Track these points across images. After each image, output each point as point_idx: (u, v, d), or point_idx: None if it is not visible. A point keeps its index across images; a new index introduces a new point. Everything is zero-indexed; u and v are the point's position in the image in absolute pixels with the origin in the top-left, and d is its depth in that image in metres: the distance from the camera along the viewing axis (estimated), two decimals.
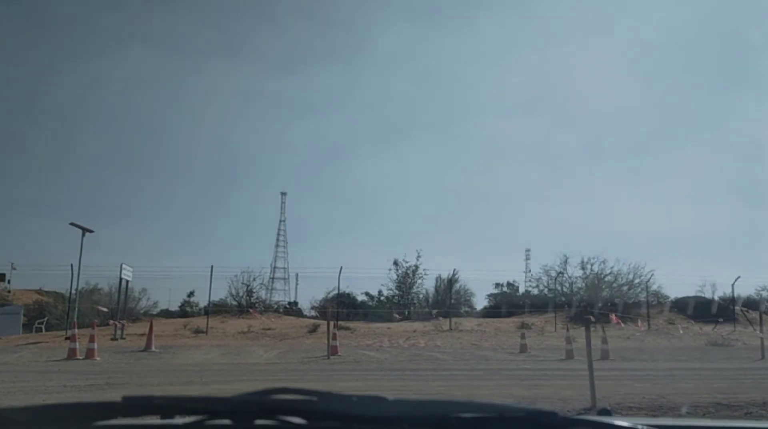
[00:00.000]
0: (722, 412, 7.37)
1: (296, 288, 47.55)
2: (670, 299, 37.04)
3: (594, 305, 33.89)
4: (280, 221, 64.22)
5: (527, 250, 48.37)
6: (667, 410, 7.53)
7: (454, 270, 30.89)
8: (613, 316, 22.16)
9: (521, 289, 43.05)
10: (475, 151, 75.69)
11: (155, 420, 1.36)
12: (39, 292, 40.61)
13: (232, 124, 75.32)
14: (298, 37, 72.87)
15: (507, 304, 36.64)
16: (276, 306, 40.70)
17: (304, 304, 43.13)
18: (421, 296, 38.16)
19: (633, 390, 9.73)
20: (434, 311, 31.31)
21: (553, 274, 37.66)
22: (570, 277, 38.30)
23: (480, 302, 41.22)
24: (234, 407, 1.28)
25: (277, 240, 63.27)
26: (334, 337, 16.97)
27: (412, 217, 72.75)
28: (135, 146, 72.99)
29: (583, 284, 37.53)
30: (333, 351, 16.53)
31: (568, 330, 17.95)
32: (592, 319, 12.21)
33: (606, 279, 37.31)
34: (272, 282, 52.99)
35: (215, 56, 72.04)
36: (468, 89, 75.59)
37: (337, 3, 72.20)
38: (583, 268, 37.43)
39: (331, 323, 17.36)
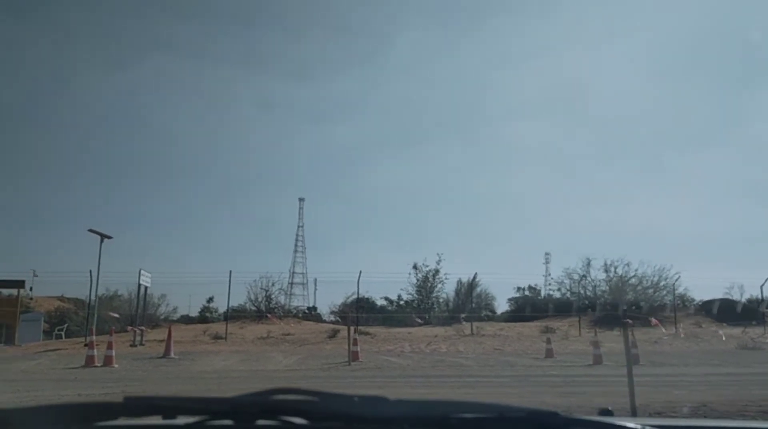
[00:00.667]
0: None
1: (315, 293, 47.32)
2: (696, 302, 36.29)
3: (618, 308, 33.33)
4: (298, 227, 64.20)
5: (547, 254, 47.81)
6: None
7: (475, 274, 30.30)
8: (653, 319, 21.58)
9: (543, 293, 42.52)
10: (492, 154, 75.25)
11: (157, 420, 1.34)
12: (60, 298, 40.85)
13: (250, 130, 75.52)
14: (314, 44, 72.92)
15: (529, 308, 36.01)
16: (295, 311, 40.48)
17: (323, 309, 42.90)
18: (441, 300, 37.73)
19: (672, 397, 9.25)
20: (462, 315, 30.74)
21: (576, 277, 37.08)
22: (593, 280, 37.70)
23: (501, 306, 40.75)
24: (235, 407, 1.28)
25: (296, 245, 63.24)
26: (355, 343, 16.61)
27: (431, 221, 72.35)
28: (154, 153, 73.49)
29: (607, 287, 36.88)
30: (354, 357, 16.17)
31: (595, 334, 17.38)
32: (630, 321, 11.72)
33: (630, 281, 36.65)
34: (291, 287, 52.88)
35: (233, 64, 72.38)
36: (484, 92, 75.13)
37: (353, 9, 72.21)
38: (606, 271, 36.79)
39: (352, 328, 16.96)
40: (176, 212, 72.30)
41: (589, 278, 37.30)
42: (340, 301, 37.78)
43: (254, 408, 1.30)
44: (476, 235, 66.88)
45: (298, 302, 50.77)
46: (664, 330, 27.64)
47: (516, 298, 40.40)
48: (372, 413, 1.25)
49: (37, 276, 32.94)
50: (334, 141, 75.58)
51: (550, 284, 42.69)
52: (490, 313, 38.07)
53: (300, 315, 38.92)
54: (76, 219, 64.41)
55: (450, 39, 71.60)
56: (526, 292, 41.12)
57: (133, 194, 69.05)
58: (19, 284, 26.04)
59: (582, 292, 36.98)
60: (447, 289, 37.30)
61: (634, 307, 34.36)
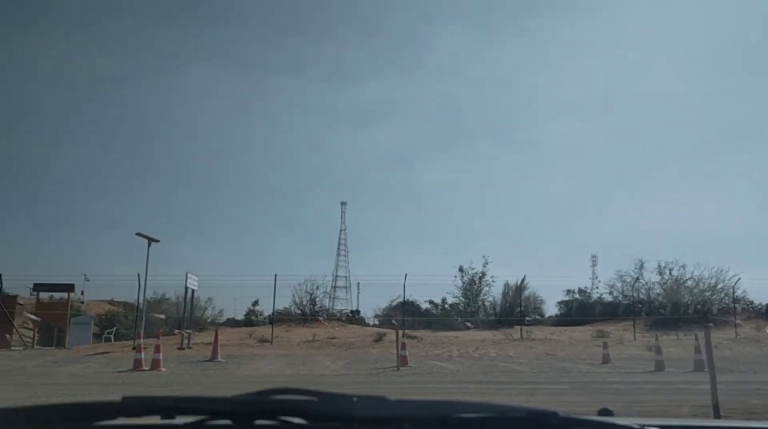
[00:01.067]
0: None
1: (358, 296, 47.08)
2: (755, 305, 34.69)
3: (669, 310, 32.07)
4: (341, 230, 64.19)
5: (593, 256, 46.55)
6: None
7: (524, 276, 29.42)
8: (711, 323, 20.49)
9: (592, 296, 41.27)
10: (535, 155, 73.97)
11: (156, 420, 1.34)
12: (110, 302, 41.58)
13: (293, 135, 75.98)
14: (355, 48, 73.05)
15: (580, 311, 34.96)
16: (339, 314, 40.29)
17: (366, 313, 42.63)
18: (487, 304, 36.98)
19: (750, 407, 8.51)
20: (525, 318, 29.88)
21: (628, 279, 35.84)
22: (647, 283, 36.40)
23: (549, 310, 39.70)
24: (234, 407, 1.28)
25: (338, 249, 63.22)
26: (404, 347, 16.13)
27: (474, 223, 71.60)
28: (200, 159, 74.62)
29: (662, 290, 35.56)
30: (403, 361, 15.71)
31: (656, 338, 16.52)
32: (711, 324, 10.96)
33: (686, 284, 35.28)
34: (334, 291, 52.78)
35: (276, 71, 73.11)
36: (526, 93, 74.02)
37: (392, 12, 72.03)
38: (660, 274, 35.52)
39: (400, 332, 16.50)
40: (221, 217, 73.26)
41: (642, 281, 36.06)
42: (383, 304, 37.50)
43: (253, 408, 1.30)
44: (520, 237, 65.82)
45: (341, 306, 50.70)
46: (723, 334, 26.40)
47: (566, 301, 39.30)
48: (371, 413, 1.25)
49: (88, 280, 33.56)
50: (376, 144, 75.48)
51: (597, 287, 41.65)
52: (538, 317, 37.10)
53: (343, 318, 38.71)
54: (125, 224, 65.80)
55: (491, 40, 70.81)
56: (576, 295, 39.97)
57: (179, 199, 70.26)
58: (69, 288, 26.42)
59: (635, 295, 35.73)
60: (494, 293, 36.62)
61: (690, 311, 33.09)
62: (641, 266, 35.56)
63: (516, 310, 34.02)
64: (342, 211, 64.46)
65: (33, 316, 23.79)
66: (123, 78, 69.60)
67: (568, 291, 39.67)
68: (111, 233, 62.76)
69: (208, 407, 1.31)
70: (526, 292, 35.67)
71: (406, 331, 27.42)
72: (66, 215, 66.41)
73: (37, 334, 27.43)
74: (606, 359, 17.56)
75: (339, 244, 63.69)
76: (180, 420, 1.34)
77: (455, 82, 73.98)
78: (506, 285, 35.32)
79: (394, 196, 77.81)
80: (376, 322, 38.52)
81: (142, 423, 1.38)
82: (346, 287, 59.98)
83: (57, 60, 64.93)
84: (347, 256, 62.94)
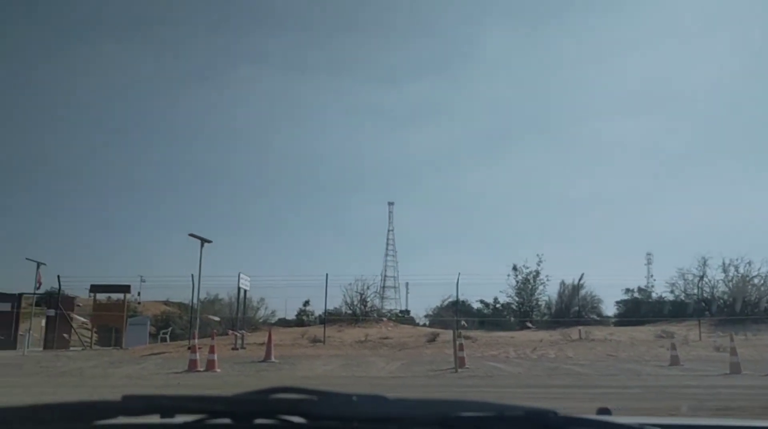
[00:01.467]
0: None
1: (407, 296, 46.64)
2: None
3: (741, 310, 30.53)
4: (389, 231, 63.90)
5: (648, 254, 44.92)
6: None
7: (582, 275, 28.38)
8: None
9: (653, 295, 39.75)
10: (586, 153, 72.15)
11: (155, 419, 1.32)
12: (166, 303, 42.34)
13: (340, 136, 76.13)
14: (400, 48, 72.83)
15: (640, 310, 33.64)
16: (389, 314, 39.96)
17: (416, 313, 42.19)
18: (542, 303, 35.96)
19: None
20: (584, 318, 28.90)
21: (690, 277, 34.34)
22: (710, 280, 34.81)
23: (607, 309, 38.38)
24: (234, 407, 1.27)
25: (386, 249, 62.94)
26: (461, 348, 15.57)
27: (524, 222, 70.36)
28: (250, 161, 75.55)
29: (727, 288, 33.94)
30: (460, 363, 15.16)
31: (732, 339, 15.51)
32: None
33: (753, 281, 33.58)
34: (383, 291, 52.45)
35: (321, 72, 73.52)
36: (576, 91, 72.33)
37: (439, 13, 71.45)
38: (725, 271, 33.89)
39: (456, 333, 15.94)
40: (272, 218, 73.99)
41: (706, 278, 34.49)
42: (432, 304, 36.96)
43: (252, 407, 1.29)
44: (571, 236, 64.30)
45: (390, 306, 50.33)
46: None
47: (624, 300, 37.91)
48: (371, 412, 1.25)
49: (144, 281, 34.17)
50: (423, 144, 74.95)
51: (652, 286, 40.25)
52: (595, 317, 35.89)
53: (394, 318, 38.34)
54: (179, 226, 67.15)
55: (539, 37, 69.52)
56: (636, 294, 38.54)
57: (232, 201, 71.31)
58: (125, 289, 26.80)
59: (699, 293, 34.22)
60: (548, 292, 35.59)
61: (758, 310, 31.50)
62: (704, 263, 34.02)
63: (573, 310, 33.01)
64: (389, 212, 64.20)
65: (81, 318, 24.11)
66: (173, 83, 71.09)
67: (627, 290, 38.29)
68: (166, 235, 64.18)
69: (207, 406, 1.30)
70: (582, 291, 34.52)
71: (460, 331, 26.88)
72: (123, 218, 68.26)
73: (95, 335, 27.99)
74: (675, 361, 16.63)
75: (387, 244, 63.40)
76: (180, 419, 1.33)
77: (503, 81, 73.03)
78: (562, 284, 34.27)
79: (442, 196, 77.33)
80: (426, 322, 38.04)
81: (142, 422, 1.37)
82: (394, 287, 59.66)
83: (109, 66, 66.79)
84: (395, 256, 62.62)
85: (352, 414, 1.24)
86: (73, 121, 69.24)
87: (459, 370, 14.70)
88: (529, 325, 27.87)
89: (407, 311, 44.83)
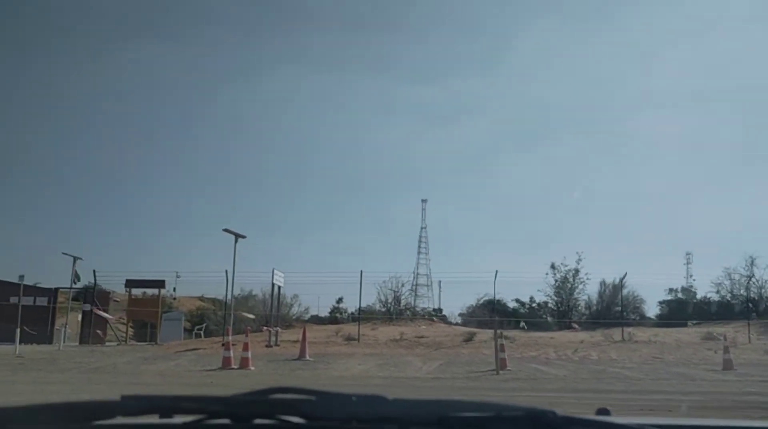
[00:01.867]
0: None
1: (439, 295, 45.99)
2: None
3: None
4: (421, 228, 63.25)
5: (688, 254, 43.51)
6: None
7: (625, 273, 27.36)
8: None
9: (696, 295, 38.40)
10: (624, 150, 70.41)
11: (154, 419, 1.32)
12: (201, 298, 42.44)
13: (376, 134, 75.76)
14: (437, 45, 71.93)
15: (682, 311, 32.46)
16: (422, 312, 39.41)
17: (449, 311, 41.59)
18: (581, 303, 34.97)
19: None
20: (627, 319, 27.89)
21: (737, 277, 33.03)
22: (758, 281, 33.44)
23: (649, 309, 37.17)
24: (233, 407, 1.27)
25: (419, 247, 62.27)
26: (502, 349, 14.90)
27: (560, 220, 68.95)
28: (284, 158, 75.66)
29: None
30: (501, 364, 14.51)
31: None
32: None
33: None
34: (415, 289, 51.85)
35: (359, 71, 73.11)
36: (616, 86, 70.50)
37: (476, 9, 70.37)
38: None
39: (497, 332, 15.29)
40: (304, 215, 74.08)
41: (754, 279, 33.16)
42: (466, 303, 36.30)
43: (251, 407, 1.29)
44: (610, 233, 62.76)
45: (423, 304, 49.72)
46: None
47: (667, 300, 36.69)
48: (370, 412, 1.24)
49: (179, 277, 34.18)
50: (459, 141, 74.09)
51: (691, 286, 38.93)
52: (636, 317, 34.77)
53: (427, 316, 37.80)
54: (214, 222, 67.66)
55: (577, 32, 67.87)
56: (679, 294, 37.27)
57: (267, 198, 71.62)
58: (160, 284, 26.72)
59: (746, 293, 32.89)
60: (588, 291, 34.58)
61: None
62: (752, 263, 32.69)
63: (614, 310, 32.00)
64: (422, 209, 63.50)
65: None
66: (211, 83, 71.83)
67: (670, 290, 37.05)
68: (202, 231, 64.67)
69: (206, 406, 1.29)
70: (624, 291, 33.44)
71: (500, 331, 26.15)
72: (160, 214, 69.07)
73: (131, 330, 28.07)
74: (728, 365, 15.74)
75: (420, 241, 62.72)
76: (178, 419, 1.31)
77: (540, 77, 71.64)
78: (602, 283, 33.24)
79: (477, 193, 76.23)
80: (459, 321, 37.42)
81: (141, 422, 1.34)
82: (427, 285, 58.95)
83: (149, 66, 67.54)
84: (428, 254, 61.84)
85: (351, 414, 1.24)
86: (111, 119, 70.28)
87: (500, 372, 14.07)
88: (575, 325, 26.84)
89: (440, 310, 44.19)
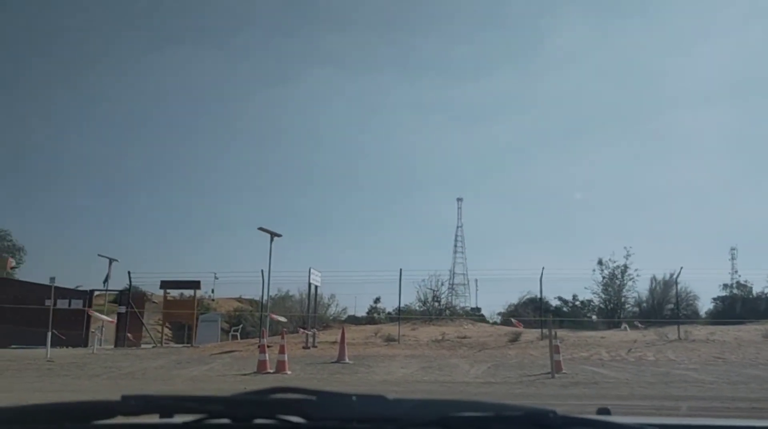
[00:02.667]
0: None
1: (476, 294, 44.84)
2: None
3: None
4: (457, 227, 62.15)
5: (732, 249, 41.58)
6: None
7: (680, 268, 25.76)
8: None
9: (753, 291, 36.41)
10: (663, 145, 68.12)
11: (154, 419, 1.32)
12: (238, 299, 42.12)
13: (410, 133, 75.05)
14: (468, 42, 70.88)
15: (744, 307, 30.67)
16: (461, 311, 38.35)
17: (485, 310, 40.55)
18: (631, 300, 33.32)
19: None
20: (682, 316, 26.35)
21: None
22: None
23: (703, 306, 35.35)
24: (233, 406, 1.27)
25: (455, 245, 61.20)
26: (556, 350, 13.75)
27: (601, 216, 67.07)
28: (320, 158, 75.55)
29: None
30: (557, 367, 13.39)
31: None
32: None
33: None
34: (452, 288, 50.74)
35: (393, 70, 72.63)
36: (654, 80, 68.21)
37: (507, 4, 68.94)
38: None
39: (551, 332, 14.14)
40: (340, 215, 73.68)
41: None
42: (503, 301, 35.22)
43: (252, 407, 1.29)
44: (654, 230, 60.72)
45: (461, 303, 48.67)
46: None
47: (721, 297, 34.82)
48: (370, 412, 1.24)
49: (218, 278, 33.76)
50: (492, 139, 72.81)
51: (746, 281, 37.00)
52: (690, 315, 33.02)
53: (465, 316, 36.74)
54: (253, 222, 67.63)
55: (613, 25, 65.88)
56: (734, 290, 35.36)
57: (305, 198, 71.62)
58: (196, 285, 26.16)
59: None
60: (638, 288, 32.93)
61: None
62: None
63: (666, 307, 30.40)
64: (458, 208, 62.41)
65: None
66: (247, 86, 72.15)
67: (725, 285, 35.17)
68: (241, 232, 64.96)
69: (206, 406, 1.29)
70: (678, 287, 31.76)
71: (544, 330, 24.94)
72: (199, 215, 69.59)
73: (169, 332, 27.60)
74: None
75: (456, 240, 61.59)
76: (178, 419, 1.31)
77: (575, 72, 69.85)
78: (653, 279, 31.59)
79: (513, 191, 74.85)
80: (496, 320, 36.25)
81: (141, 422, 1.34)
82: (464, 284, 57.77)
83: (185, 73, 68.12)
84: (464, 253, 60.67)
85: (351, 414, 1.23)
86: (149, 121, 71.07)
87: (556, 375, 12.96)
88: (638, 324, 25.21)
89: (478, 309, 43.06)
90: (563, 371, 13.52)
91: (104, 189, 68.59)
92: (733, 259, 41.56)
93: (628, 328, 24.91)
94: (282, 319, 25.43)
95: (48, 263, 63.20)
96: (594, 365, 16.17)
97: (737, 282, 35.98)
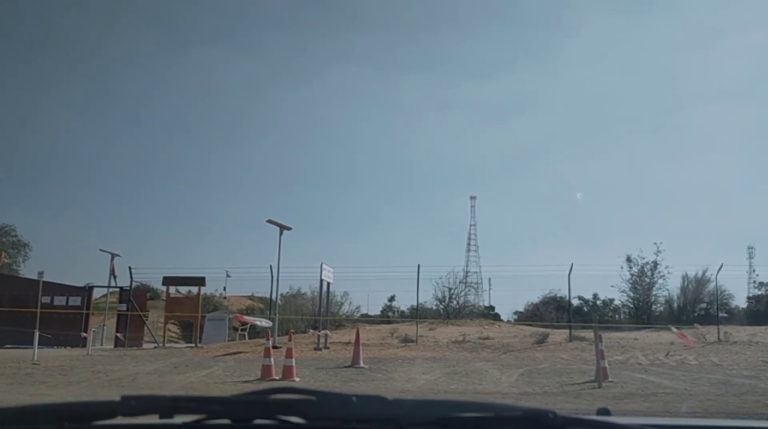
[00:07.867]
0: None
1: (490, 293, 43.35)
2: None
3: None
4: (471, 225, 60.68)
5: (750, 248, 39.86)
6: None
7: (722, 265, 23.89)
8: None
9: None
10: (684, 142, 66.22)
11: (154, 420, 1.31)
12: (250, 297, 40.84)
13: (428, 131, 73.73)
14: (489, 40, 69.34)
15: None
16: (476, 310, 36.85)
17: (500, 310, 39.14)
18: (661, 299, 31.50)
19: None
20: (719, 316, 24.49)
21: None
22: None
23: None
24: (233, 407, 1.25)
25: (468, 244, 59.69)
26: (602, 355, 12.06)
27: (619, 215, 65.39)
28: (335, 155, 74.56)
29: None
30: (603, 375, 11.71)
31: None
32: None
33: None
34: (465, 287, 49.34)
35: (410, 68, 71.56)
36: (675, 77, 66.43)
37: (530, 2, 67.36)
38: None
39: (597, 334, 12.44)
40: (353, 211, 72.61)
41: None
42: (518, 300, 33.69)
43: (251, 407, 1.27)
44: (671, 229, 58.95)
45: (478, 301, 47.22)
46: None
47: (757, 296, 32.96)
48: (370, 412, 1.22)
49: (230, 276, 32.40)
50: (512, 137, 71.33)
51: (754, 281, 35.29)
52: (724, 315, 31.19)
53: (484, 314, 35.22)
54: (263, 220, 66.54)
55: (635, 23, 64.03)
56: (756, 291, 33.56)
57: (320, 195, 70.67)
58: (200, 281, 24.65)
59: None
60: (668, 286, 31.12)
61: None
62: None
63: (699, 307, 28.62)
64: (472, 206, 60.90)
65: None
66: (265, 84, 71.25)
67: (761, 284, 33.32)
68: (253, 229, 63.97)
69: (206, 407, 1.27)
70: (710, 286, 29.95)
71: (571, 332, 23.31)
72: (212, 212, 68.88)
73: (178, 331, 26.20)
74: None
75: (469, 239, 60.03)
76: (178, 419, 1.29)
77: (597, 69, 68.18)
78: (684, 276, 29.77)
79: (532, 190, 73.24)
80: (511, 320, 34.73)
81: (141, 422, 1.33)
82: (477, 283, 56.31)
83: (202, 71, 67.54)
84: (477, 252, 59.08)
85: (351, 414, 1.21)
86: (163, 118, 70.24)
87: (603, 384, 11.29)
88: (698, 326, 23.24)
89: (492, 307, 41.52)
90: (609, 379, 11.87)
91: (112, 186, 67.85)
92: (750, 257, 40.14)
93: (699, 327, 22.94)
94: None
95: (55, 260, 62.36)
96: (636, 371, 14.53)
97: (756, 281, 34.49)
